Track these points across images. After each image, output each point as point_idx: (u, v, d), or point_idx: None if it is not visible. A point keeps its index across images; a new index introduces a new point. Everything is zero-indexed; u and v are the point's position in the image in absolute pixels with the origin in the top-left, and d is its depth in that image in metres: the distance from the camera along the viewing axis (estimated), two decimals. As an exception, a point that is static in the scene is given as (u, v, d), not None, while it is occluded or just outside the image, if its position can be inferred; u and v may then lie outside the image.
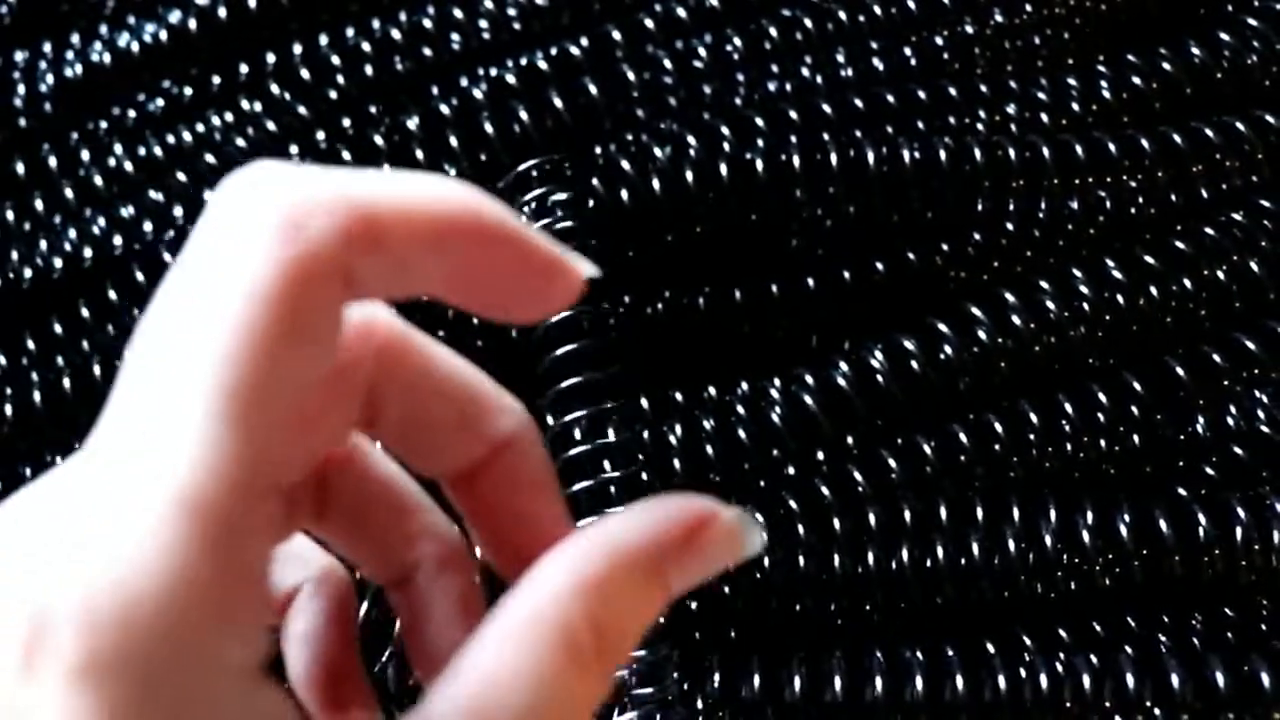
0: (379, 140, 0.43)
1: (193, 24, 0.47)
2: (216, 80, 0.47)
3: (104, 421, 0.16)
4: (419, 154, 0.42)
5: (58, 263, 0.43)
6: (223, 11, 0.47)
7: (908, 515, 0.36)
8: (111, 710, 0.14)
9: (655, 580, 0.19)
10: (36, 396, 0.41)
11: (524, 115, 0.42)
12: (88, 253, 0.43)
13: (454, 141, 0.42)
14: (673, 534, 0.19)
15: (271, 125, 0.45)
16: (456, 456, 0.21)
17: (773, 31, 0.44)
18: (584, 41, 0.45)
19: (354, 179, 0.17)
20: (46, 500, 0.16)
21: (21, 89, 0.48)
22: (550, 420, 0.36)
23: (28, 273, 0.43)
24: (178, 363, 0.16)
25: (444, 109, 0.43)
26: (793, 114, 0.41)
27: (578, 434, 0.36)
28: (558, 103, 0.42)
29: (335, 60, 0.46)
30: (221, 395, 0.15)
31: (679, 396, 0.39)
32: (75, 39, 0.49)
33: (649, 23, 0.45)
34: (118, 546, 0.14)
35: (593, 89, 0.43)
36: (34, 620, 0.14)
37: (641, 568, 0.19)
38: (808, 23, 0.44)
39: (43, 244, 0.44)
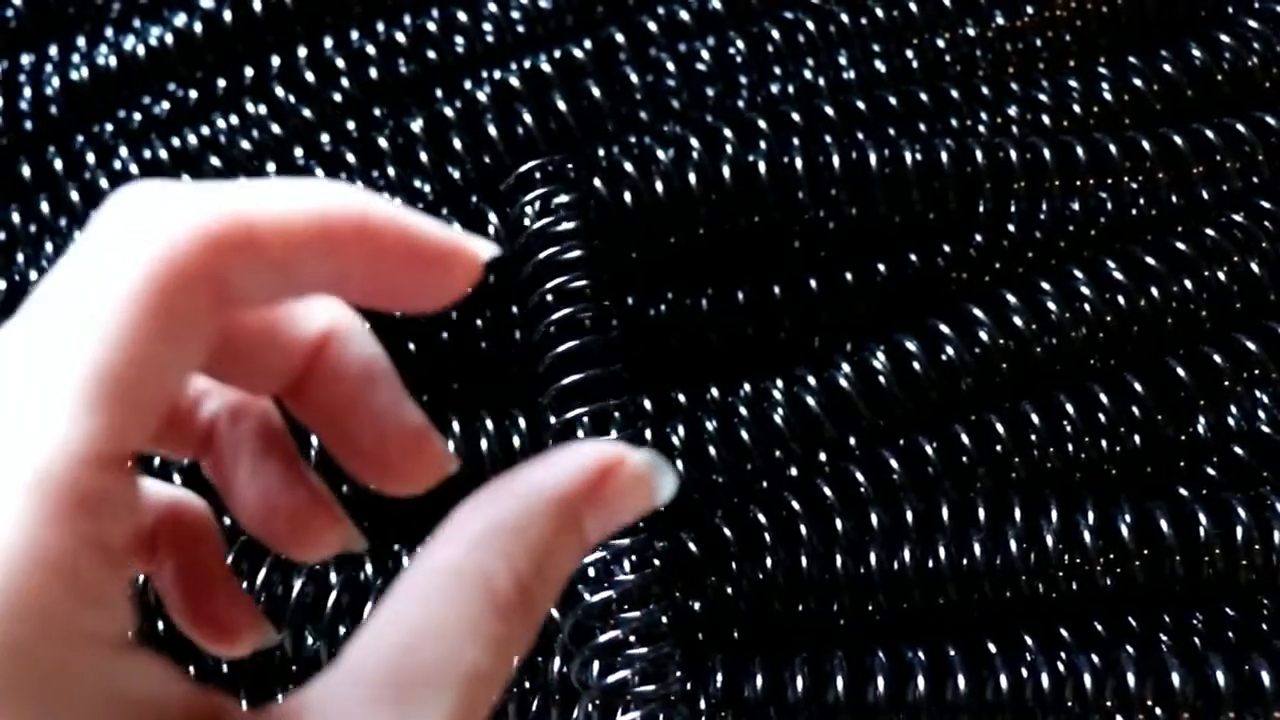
0: (383, 142, 0.43)
1: (198, 27, 0.47)
2: (221, 83, 0.47)
3: None
4: (423, 156, 0.42)
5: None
6: (227, 15, 0.47)
7: (910, 516, 0.36)
8: None
9: (570, 527, 0.19)
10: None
11: (527, 117, 0.42)
12: (93, 254, 0.43)
13: (458, 143, 0.42)
14: (581, 480, 0.19)
15: (276, 128, 0.45)
16: (277, 371, 0.21)
17: (775, 34, 0.44)
18: (587, 44, 0.45)
19: (229, 191, 0.17)
20: None
21: (27, 92, 0.48)
22: (552, 418, 0.37)
23: (34, 276, 0.43)
24: (41, 354, 0.16)
25: (448, 111, 0.44)
26: (795, 116, 0.41)
27: (580, 432, 0.36)
28: (561, 105, 0.43)
29: (340, 63, 0.46)
30: (82, 383, 0.16)
31: (682, 397, 0.39)
32: (81, 42, 0.49)
33: (652, 25, 0.45)
34: None
35: (596, 91, 0.43)
36: None
37: (554, 514, 0.19)
38: (810, 25, 0.44)
39: (48, 247, 0.44)
